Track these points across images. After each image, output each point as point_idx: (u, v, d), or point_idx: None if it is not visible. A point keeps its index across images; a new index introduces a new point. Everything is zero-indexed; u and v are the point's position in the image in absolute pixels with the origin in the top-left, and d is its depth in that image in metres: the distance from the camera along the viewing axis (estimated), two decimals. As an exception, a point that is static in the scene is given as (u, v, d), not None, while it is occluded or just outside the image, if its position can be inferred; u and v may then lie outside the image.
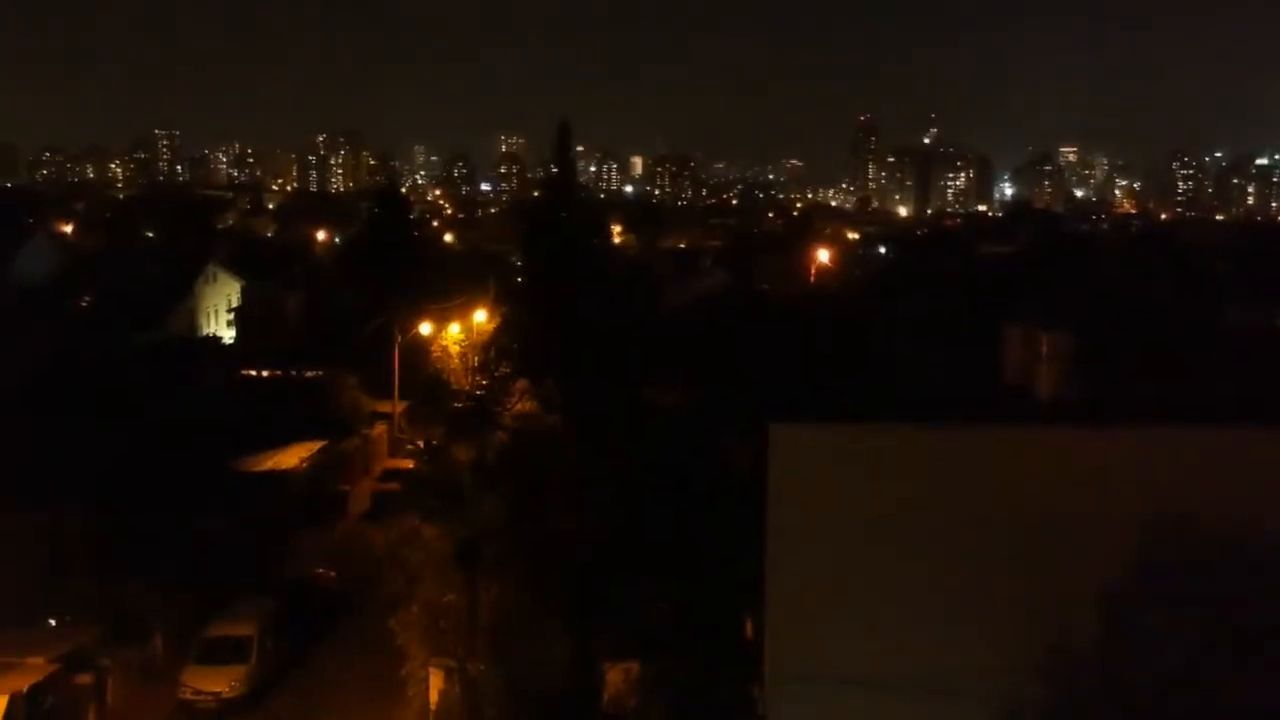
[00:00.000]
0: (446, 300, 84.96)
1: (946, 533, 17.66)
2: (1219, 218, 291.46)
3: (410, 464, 56.40)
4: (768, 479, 17.70)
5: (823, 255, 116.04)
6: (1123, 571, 17.38)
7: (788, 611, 18.01)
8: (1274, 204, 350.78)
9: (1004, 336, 20.18)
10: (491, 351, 65.17)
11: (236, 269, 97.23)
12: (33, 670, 28.15)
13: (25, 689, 27.13)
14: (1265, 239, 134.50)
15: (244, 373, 70.02)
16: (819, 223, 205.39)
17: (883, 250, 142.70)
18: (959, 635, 17.75)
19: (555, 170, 72.89)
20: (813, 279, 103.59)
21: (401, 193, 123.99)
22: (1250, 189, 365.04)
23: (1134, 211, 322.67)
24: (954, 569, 17.63)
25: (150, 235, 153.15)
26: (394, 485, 53.17)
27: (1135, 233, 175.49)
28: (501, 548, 20.43)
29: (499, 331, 72.74)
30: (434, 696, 27.72)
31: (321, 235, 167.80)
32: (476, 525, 20.83)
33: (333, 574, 41.64)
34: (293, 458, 50.70)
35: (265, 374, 70.44)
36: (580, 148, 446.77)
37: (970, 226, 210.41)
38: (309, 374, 68.14)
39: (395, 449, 64.31)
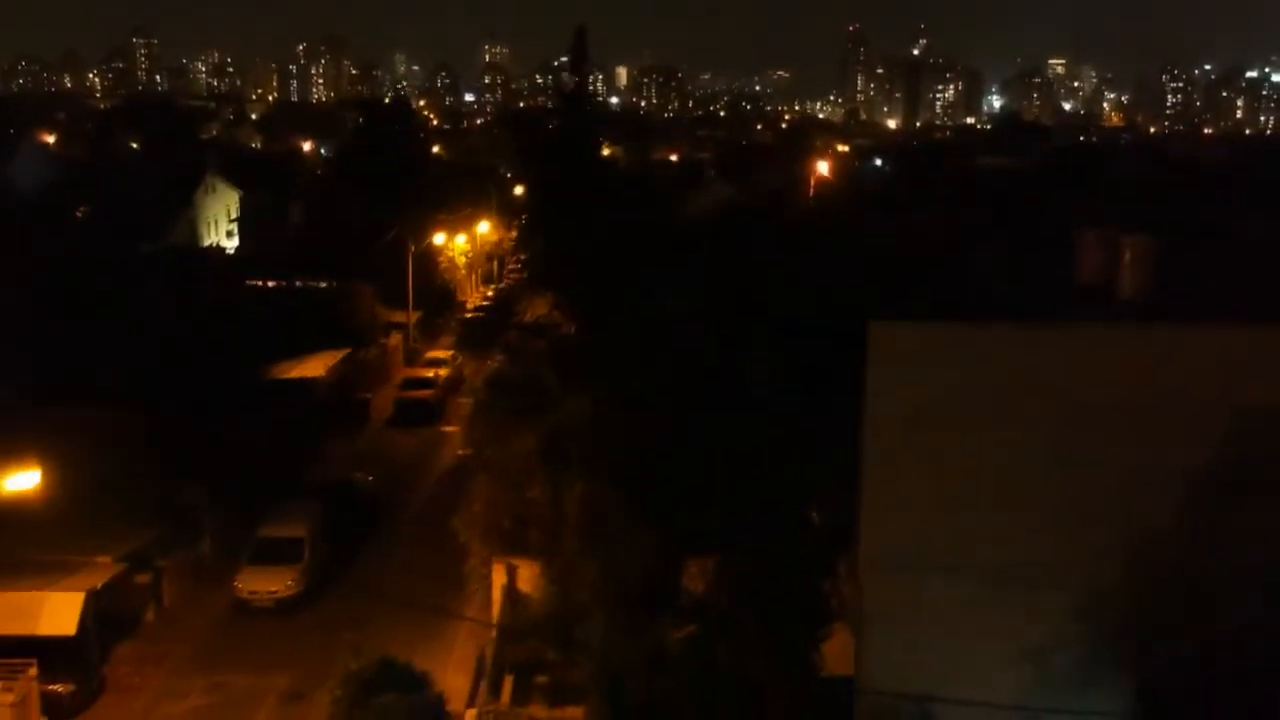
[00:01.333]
0: (450, 211, 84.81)
1: (1035, 427, 18.17)
2: (1207, 131, 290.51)
3: (430, 373, 56.91)
4: (866, 375, 18.12)
5: (822, 167, 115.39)
6: (1204, 466, 17.96)
7: (882, 503, 18.59)
8: (1263, 118, 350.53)
9: (1079, 240, 20.54)
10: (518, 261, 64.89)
11: (233, 179, 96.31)
12: (101, 569, 28.69)
13: (100, 586, 27.70)
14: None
15: (249, 283, 69.68)
16: (811, 135, 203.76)
17: (879, 162, 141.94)
18: (1043, 526, 18.39)
19: (574, 78, 72.04)
20: (812, 191, 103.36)
21: (408, 104, 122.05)
22: (1240, 103, 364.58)
23: (1122, 125, 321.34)
24: (1040, 462, 18.19)
25: (135, 146, 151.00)
26: (417, 393, 53.80)
27: (1126, 146, 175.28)
28: (587, 445, 20.85)
29: (521, 241, 72.77)
30: (496, 593, 28.49)
31: (307, 146, 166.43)
32: (563, 423, 21.23)
33: (369, 478, 42.19)
34: (317, 366, 51.00)
35: (270, 284, 70.16)
36: (564, 58, 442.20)
37: (962, 139, 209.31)
38: (316, 284, 68.06)
39: (410, 358, 64.62)
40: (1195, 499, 18.14)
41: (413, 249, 67.30)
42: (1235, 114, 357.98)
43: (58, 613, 26.43)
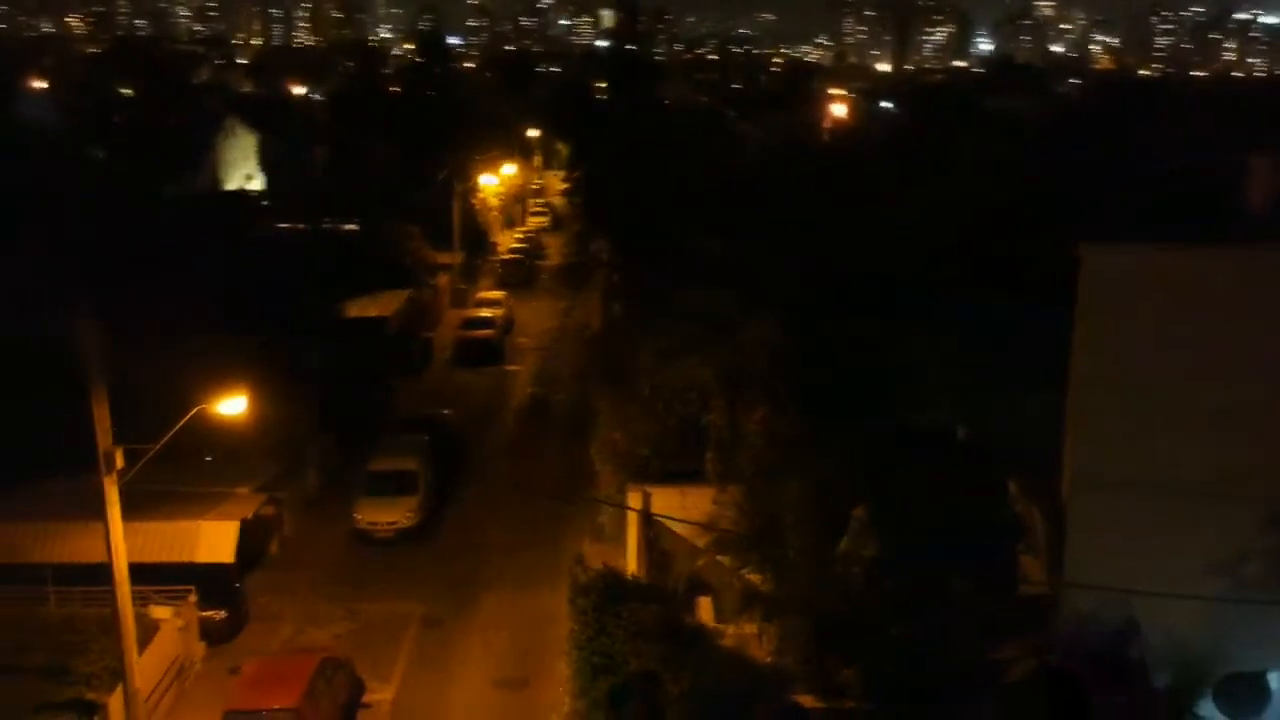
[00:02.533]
0: (480, 153, 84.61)
1: (1234, 349, 18.79)
2: (1197, 74, 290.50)
3: (488, 313, 57.21)
4: (1077, 297, 18.66)
5: (838, 110, 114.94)
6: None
7: (1090, 422, 19.20)
8: (1250, 60, 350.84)
9: (1251, 167, 21.15)
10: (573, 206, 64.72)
11: (251, 122, 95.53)
12: (246, 500, 29.13)
13: (251, 516, 28.17)
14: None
15: (280, 225, 69.41)
16: (810, 78, 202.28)
17: (887, 105, 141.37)
18: (1238, 444, 19.05)
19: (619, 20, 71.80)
20: (828, 135, 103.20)
21: (441, 42, 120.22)
22: (1229, 45, 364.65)
23: (1113, 68, 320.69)
24: (1235, 383, 18.81)
25: (128, 92, 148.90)
26: (479, 333, 54.16)
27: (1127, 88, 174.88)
28: (772, 368, 21.33)
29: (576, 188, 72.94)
30: (631, 518, 29.05)
31: (301, 90, 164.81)
32: (743, 351, 21.66)
33: (449, 413, 42.60)
34: (383, 305, 51.25)
35: (301, 226, 69.90)
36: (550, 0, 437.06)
37: (959, 81, 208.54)
38: (343, 226, 67.96)
39: (457, 299, 64.75)
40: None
41: (458, 189, 67.11)
42: (1223, 56, 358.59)
43: (214, 541, 26.90)
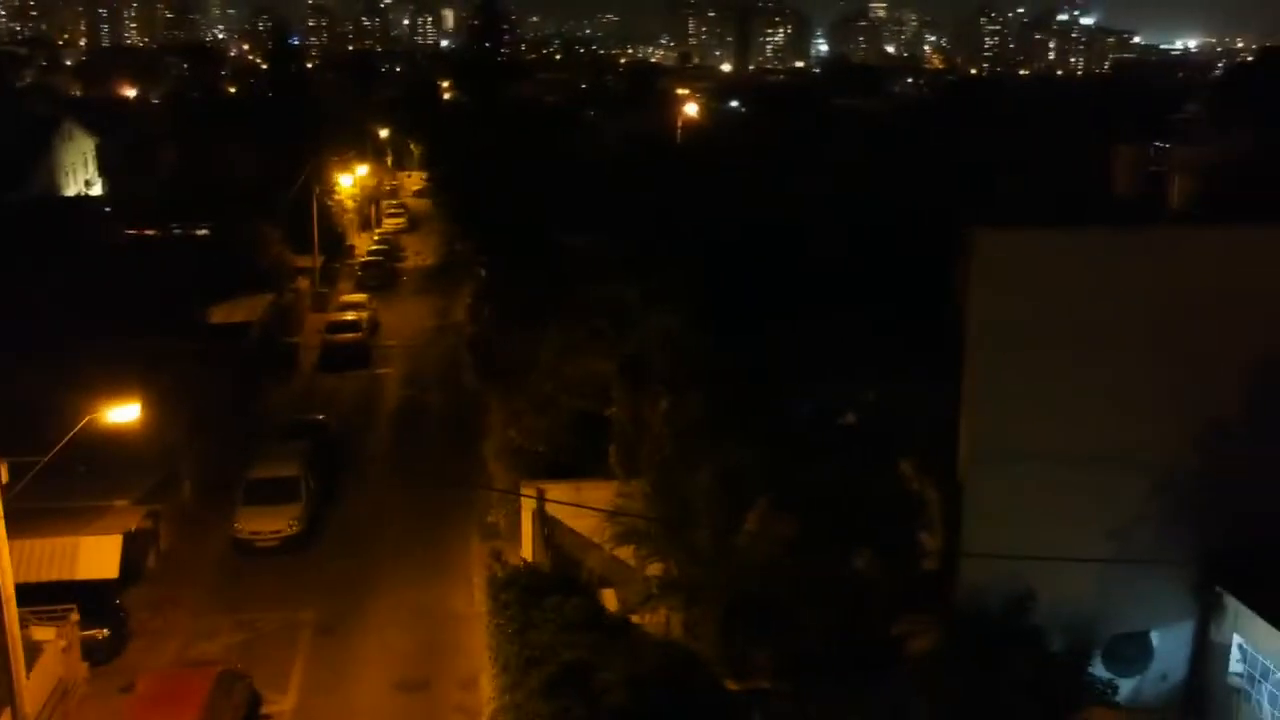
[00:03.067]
0: (334, 155, 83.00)
1: (1120, 327, 19.86)
2: (1023, 73, 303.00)
3: (352, 316, 56.25)
4: (969, 277, 19.45)
5: (690, 109, 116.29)
6: (1267, 355, 19.97)
7: (984, 397, 20.03)
8: (1072, 59, 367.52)
9: (1116, 154, 22.37)
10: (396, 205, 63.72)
11: (88, 126, 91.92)
12: (123, 512, 28.09)
13: (134, 529, 27.16)
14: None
15: (127, 231, 67.04)
16: (656, 78, 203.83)
17: (735, 104, 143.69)
18: (1130, 414, 20.15)
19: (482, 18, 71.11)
20: (679, 133, 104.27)
21: (292, 44, 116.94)
22: (1051, 45, 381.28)
23: (944, 67, 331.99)
24: (1128, 356, 19.90)
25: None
26: (344, 336, 53.24)
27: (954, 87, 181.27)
28: (674, 359, 21.60)
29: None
30: (526, 515, 29.04)
31: (133, 92, 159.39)
32: (644, 342, 21.86)
33: (325, 418, 41.80)
34: (246, 311, 49.90)
35: (150, 231, 67.67)
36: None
37: (803, 81, 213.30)
38: (194, 230, 66.12)
39: (317, 303, 63.40)
40: (1261, 389, 20.12)
41: (317, 191, 65.72)
42: (1048, 56, 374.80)
43: (96, 557, 25.89)
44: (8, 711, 21.15)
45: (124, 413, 20.63)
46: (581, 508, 23.11)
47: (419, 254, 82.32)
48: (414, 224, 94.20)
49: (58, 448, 19.85)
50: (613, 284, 22.46)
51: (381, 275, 71.29)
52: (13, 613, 19.90)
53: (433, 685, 25.96)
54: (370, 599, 30.10)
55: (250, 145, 73.48)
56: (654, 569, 24.02)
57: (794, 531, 20.43)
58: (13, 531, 24.74)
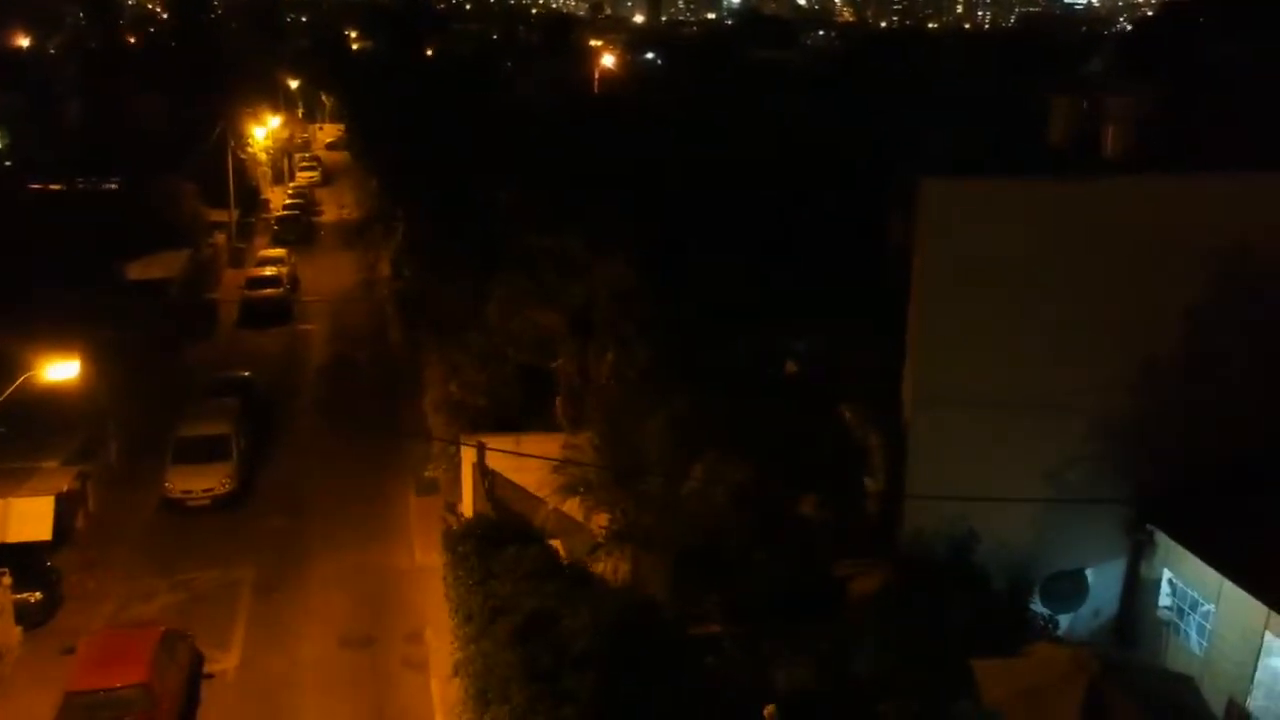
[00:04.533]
0: (241, 105, 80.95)
1: (1061, 271, 20.37)
2: (932, 26, 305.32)
3: (272, 271, 55.27)
4: (915, 226, 19.77)
5: (607, 60, 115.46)
6: (1199, 301, 20.64)
7: (927, 343, 20.44)
8: (980, 13, 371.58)
9: (1053, 105, 22.78)
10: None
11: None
12: (53, 474, 27.43)
13: (65, 489, 26.54)
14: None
15: (31, 186, 64.99)
16: (572, 30, 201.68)
17: (650, 56, 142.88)
18: (1068, 361, 20.74)
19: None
20: (597, 86, 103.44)
21: None
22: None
23: (854, 20, 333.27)
24: (1066, 303, 20.44)
25: None
26: (265, 292, 52.35)
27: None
28: (613, 314, 21.66)
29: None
30: (466, 469, 29.01)
31: (26, 42, 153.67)
32: (592, 295, 21.85)
33: (251, 375, 41.08)
34: (163, 267, 48.72)
35: (55, 186, 65.74)
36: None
37: (720, 32, 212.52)
38: (103, 185, 64.44)
39: (234, 259, 62.15)
40: (1190, 332, 20.82)
41: (232, 144, 64.18)
42: (956, 9, 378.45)
43: (27, 519, 25.27)
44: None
45: (63, 370, 20.10)
46: (528, 457, 23.07)
47: (339, 208, 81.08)
48: (328, 177, 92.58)
49: (-5, 406, 19.32)
50: (558, 235, 22.37)
51: (299, 230, 70.03)
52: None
53: (378, 641, 25.85)
54: (308, 557, 29.84)
55: (156, 97, 71.49)
56: (599, 519, 24.21)
57: (742, 478, 20.68)
58: None
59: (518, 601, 16.13)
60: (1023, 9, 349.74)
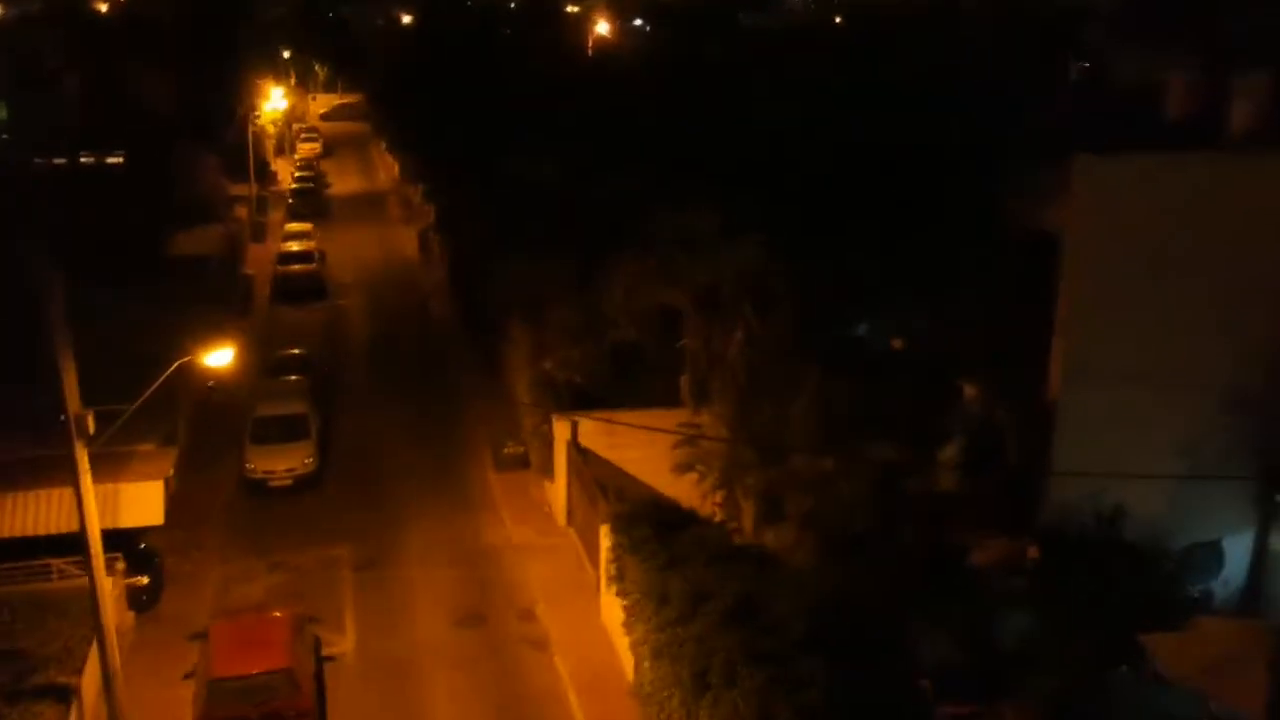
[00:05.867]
0: (246, 77, 79.97)
1: (1201, 248, 20.49)
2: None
3: (300, 246, 54.76)
4: (1068, 204, 19.82)
5: (601, 28, 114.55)
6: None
7: (1079, 323, 20.55)
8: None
9: (1172, 84, 22.85)
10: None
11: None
12: (152, 457, 27.14)
13: (171, 474, 26.26)
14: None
15: (37, 160, 64.03)
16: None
17: (640, 23, 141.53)
18: (1201, 336, 20.90)
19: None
20: (590, 54, 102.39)
21: None
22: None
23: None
24: (1212, 278, 20.57)
25: None
26: (300, 267, 51.86)
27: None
28: (744, 293, 21.63)
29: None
30: (560, 446, 29.00)
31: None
32: (720, 274, 21.77)
33: (306, 352, 40.71)
34: (198, 242, 48.13)
35: (59, 161, 64.85)
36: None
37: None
38: (106, 159, 63.72)
39: (256, 233, 61.44)
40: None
41: (252, 117, 63.37)
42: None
43: (138, 503, 24.97)
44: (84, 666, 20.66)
45: (218, 356, 19.88)
46: (651, 430, 22.95)
47: (350, 181, 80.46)
48: (329, 149, 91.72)
49: (148, 393, 19.11)
50: (686, 216, 22.27)
51: (314, 203, 69.23)
52: (100, 565, 19.21)
53: (490, 619, 25.82)
54: (399, 534, 29.70)
55: (157, 67, 70.31)
56: (716, 498, 24.25)
57: (887, 456, 20.78)
58: (53, 481, 24.20)
59: (720, 584, 16.14)
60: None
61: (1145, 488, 21.04)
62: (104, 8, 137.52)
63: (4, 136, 76.07)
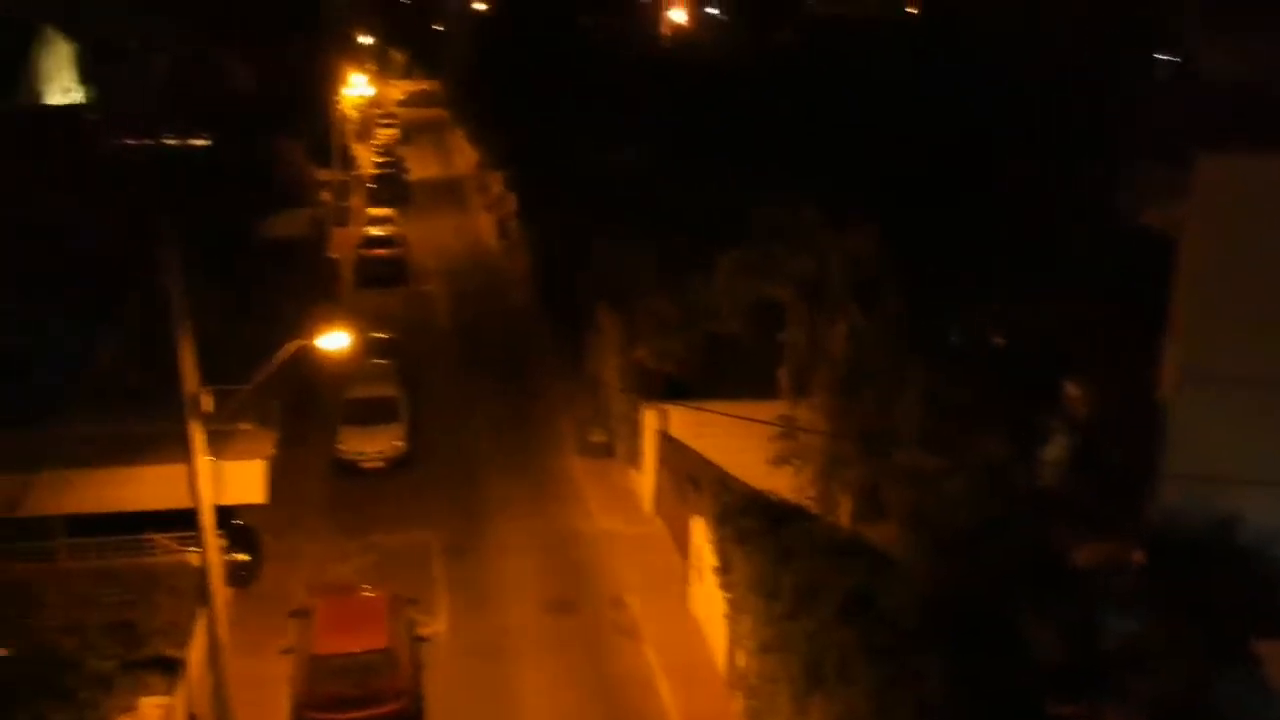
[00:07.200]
0: (328, 62, 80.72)
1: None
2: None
3: (382, 231, 55.27)
4: (1188, 204, 19.44)
5: (677, 15, 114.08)
6: None
7: (1197, 324, 20.16)
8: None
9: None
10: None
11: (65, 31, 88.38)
12: (253, 435, 27.53)
13: (274, 452, 26.65)
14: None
15: (125, 141, 65.15)
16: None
17: (712, 11, 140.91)
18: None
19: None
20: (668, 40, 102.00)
21: None
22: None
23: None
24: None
25: None
26: (383, 252, 52.39)
27: None
28: (851, 285, 21.49)
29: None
30: (649, 435, 29.08)
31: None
32: (824, 265, 21.66)
33: (392, 335, 41.15)
34: (287, 226, 48.78)
35: (149, 142, 65.94)
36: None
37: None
38: (191, 142, 64.66)
39: (339, 218, 62.10)
40: None
41: (338, 102, 64.04)
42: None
43: (240, 481, 25.29)
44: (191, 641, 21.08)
45: (334, 340, 20.16)
46: (753, 422, 22.85)
47: (428, 167, 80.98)
48: (406, 135, 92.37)
49: (264, 374, 19.46)
50: (791, 208, 22.16)
51: (395, 189, 69.71)
52: (213, 540, 19.64)
53: (580, 606, 26.00)
54: (487, 519, 29.98)
55: (240, 52, 71.23)
56: (811, 491, 24.08)
57: (1000, 452, 20.55)
58: (139, 458, 24.69)
59: (831, 578, 16.08)
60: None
61: (1261, 494, 20.61)
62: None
63: (95, 117, 77.37)
